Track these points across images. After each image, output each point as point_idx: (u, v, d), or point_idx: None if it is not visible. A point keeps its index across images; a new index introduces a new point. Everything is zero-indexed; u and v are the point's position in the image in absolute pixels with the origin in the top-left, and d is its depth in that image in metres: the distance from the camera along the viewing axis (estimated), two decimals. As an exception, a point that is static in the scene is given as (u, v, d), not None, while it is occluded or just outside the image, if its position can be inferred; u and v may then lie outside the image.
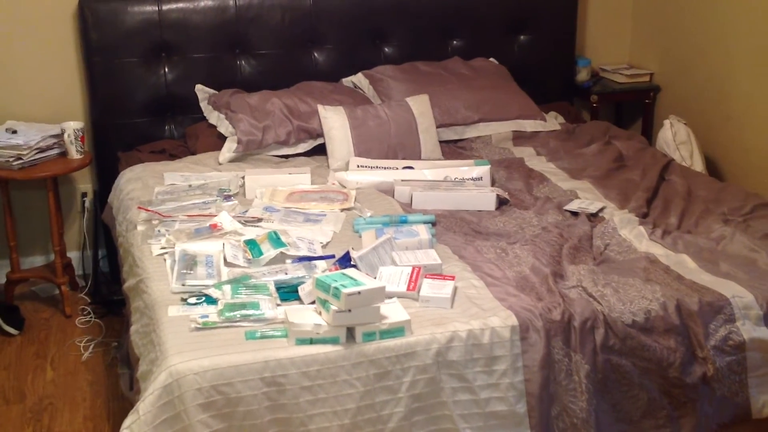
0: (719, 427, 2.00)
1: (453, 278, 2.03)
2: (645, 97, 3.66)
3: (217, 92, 3.15)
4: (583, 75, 3.65)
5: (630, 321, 1.94)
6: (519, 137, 3.17)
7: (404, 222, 2.36)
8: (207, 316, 1.85)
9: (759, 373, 2.00)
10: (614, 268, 2.15)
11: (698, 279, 2.10)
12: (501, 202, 2.57)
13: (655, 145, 3.28)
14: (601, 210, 2.52)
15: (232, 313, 1.85)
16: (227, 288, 1.96)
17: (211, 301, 1.93)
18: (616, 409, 1.93)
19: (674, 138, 3.23)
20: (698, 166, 3.17)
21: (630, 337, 1.92)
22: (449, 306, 1.94)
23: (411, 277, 2.01)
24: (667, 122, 3.31)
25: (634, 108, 3.76)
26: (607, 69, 3.71)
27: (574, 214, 2.49)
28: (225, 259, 2.11)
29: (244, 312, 1.85)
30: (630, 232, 2.37)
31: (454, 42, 3.49)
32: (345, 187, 2.66)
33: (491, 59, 3.47)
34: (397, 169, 2.77)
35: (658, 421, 1.95)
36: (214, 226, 2.27)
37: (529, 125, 3.23)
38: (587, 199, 2.61)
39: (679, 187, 2.70)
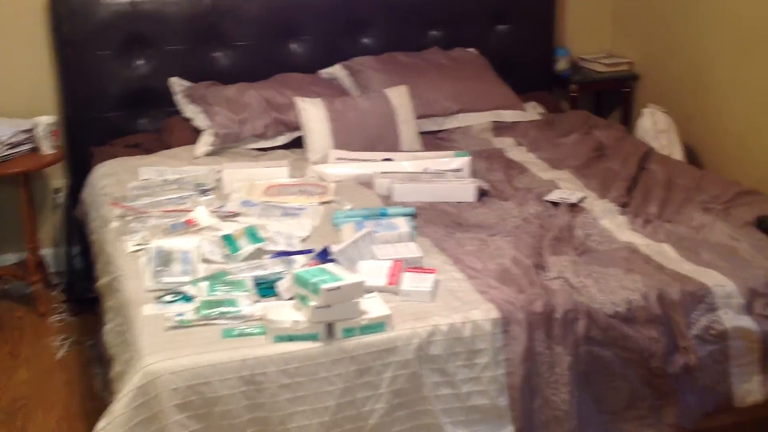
0: (702, 416, 2.00)
1: (434, 271, 2.01)
2: (624, 86, 3.65)
3: (192, 85, 3.10)
4: (562, 64, 3.63)
5: (612, 311, 1.93)
6: (499, 128, 3.15)
7: (384, 215, 2.33)
8: (183, 315, 1.81)
9: (741, 362, 2.00)
10: (595, 259, 2.13)
11: (679, 268, 2.09)
12: (482, 194, 2.55)
13: (634, 134, 3.27)
14: (582, 200, 2.50)
15: (208, 311, 1.81)
16: (204, 285, 1.92)
17: (187, 298, 1.89)
18: (599, 400, 1.92)
19: (654, 127, 3.22)
20: (678, 154, 3.17)
21: (612, 327, 1.91)
22: (430, 300, 1.92)
23: (391, 270, 1.98)
24: (646, 111, 3.30)
25: (613, 97, 3.75)
26: (587, 58, 3.69)
27: (555, 204, 2.47)
28: (202, 256, 2.08)
29: (221, 309, 1.82)
30: (611, 221, 2.36)
31: (434, 32, 3.46)
32: (324, 180, 2.63)
33: (471, 49, 3.45)
34: (376, 161, 2.74)
35: (641, 411, 1.94)
36: (190, 222, 2.23)
37: (508, 115, 3.21)
38: (567, 189, 2.60)
39: (659, 176, 2.70)
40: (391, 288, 1.94)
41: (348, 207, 2.42)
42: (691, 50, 3.34)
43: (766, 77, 3.01)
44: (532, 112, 3.27)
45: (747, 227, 2.32)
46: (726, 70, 3.18)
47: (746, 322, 2.00)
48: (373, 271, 1.98)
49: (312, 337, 1.76)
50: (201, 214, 2.27)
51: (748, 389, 2.01)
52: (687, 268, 2.10)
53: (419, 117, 3.06)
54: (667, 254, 2.17)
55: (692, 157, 3.29)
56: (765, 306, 2.02)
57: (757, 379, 2.01)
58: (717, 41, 3.21)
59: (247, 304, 1.85)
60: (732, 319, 1.99)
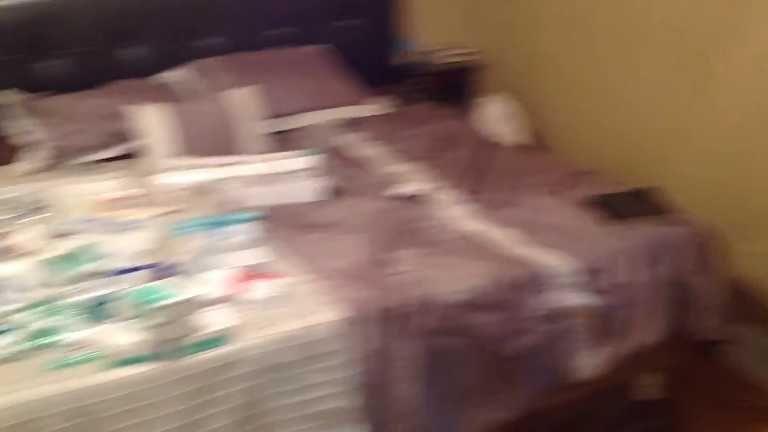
0: (547, 394, 2.05)
1: (283, 276, 1.96)
2: (473, 76, 3.71)
3: (20, 98, 2.90)
4: (410, 57, 3.66)
5: (458, 300, 1.94)
6: (348, 123, 3.13)
7: (230, 222, 2.25)
8: (4, 348, 1.67)
9: (582, 338, 2.07)
10: (442, 249, 2.15)
11: (523, 252, 2.13)
12: (331, 192, 2.51)
13: (482, 123, 3.34)
14: (430, 191, 2.52)
15: (34, 341, 1.68)
16: (31, 313, 1.78)
17: (10, 330, 1.74)
18: (449, 389, 1.93)
19: (501, 114, 3.30)
20: (524, 140, 3.26)
21: (459, 316, 1.93)
22: (279, 305, 1.87)
23: (238, 279, 1.92)
24: (494, 99, 3.37)
25: (462, 87, 3.81)
26: (435, 49, 3.73)
27: (404, 198, 2.47)
28: (28, 282, 1.92)
29: (48, 339, 1.69)
30: (457, 211, 2.39)
31: (283, 29, 3.40)
32: (165, 189, 2.51)
33: (320, 46, 3.41)
34: (222, 166, 2.64)
35: (489, 396, 1.97)
36: (14, 246, 2.07)
37: (358, 111, 3.20)
38: (416, 181, 2.61)
39: (505, 163, 2.75)
40: (238, 297, 1.87)
41: (191, 216, 2.32)
42: (535, 39, 3.45)
43: (600, 65, 3.15)
44: (381, 106, 3.27)
45: (587, 206, 2.40)
46: (566, 57, 3.30)
47: (586, 298, 2.07)
48: (217, 281, 1.91)
49: (151, 358, 1.66)
50: (29, 236, 2.11)
51: (590, 364, 2.08)
52: (530, 251, 2.14)
53: (269, 117, 2.99)
54: (511, 239, 2.22)
55: (538, 142, 3.40)
56: (603, 281, 2.10)
57: (597, 353, 2.08)
58: (557, 29, 3.32)
59: (78, 329, 1.73)
60: (572, 297, 2.05)
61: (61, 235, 2.17)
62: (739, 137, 2.65)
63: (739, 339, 2.67)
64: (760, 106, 2.55)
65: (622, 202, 2.40)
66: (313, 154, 2.68)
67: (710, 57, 2.69)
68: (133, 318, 1.70)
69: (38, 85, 2.95)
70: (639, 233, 2.24)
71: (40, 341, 1.68)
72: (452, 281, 1.98)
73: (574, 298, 2.05)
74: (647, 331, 2.17)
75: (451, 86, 3.83)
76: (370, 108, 3.22)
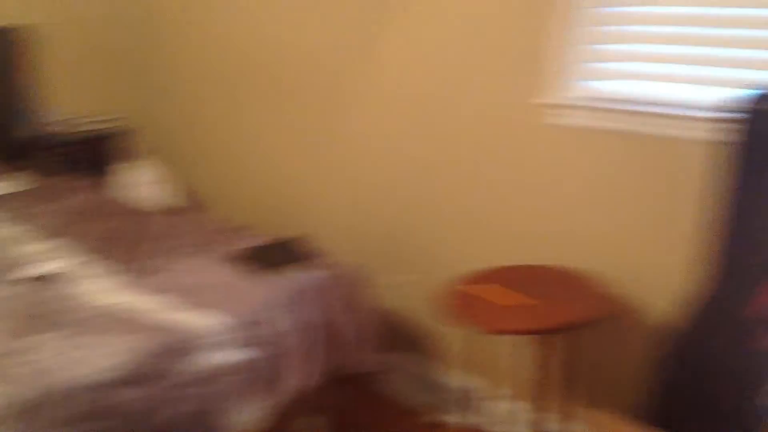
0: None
1: None
2: (117, 142, 3.61)
3: None
4: (47, 128, 3.45)
5: (103, 380, 1.83)
6: (-20, 204, 2.84)
7: None
8: None
9: (239, 394, 2.07)
10: (85, 328, 2.02)
11: (173, 317, 2.09)
12: (-44, 283, 2.25)
13: (130, 188, 3.25)
14: (72, 267, 2.37)
15: None
16: None
17: None
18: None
19: (150, 178, 3.24)
20: (177, 202, 3.23)
21: (106, 397, 1.82)
22: None
23: None
24: (142, 163, 3.30)
25: (105, 154, 3.68)
26: (75, 118, 3.57)
27: (38, 278, 2.29)
28: None
29: None
30: (103, 284, 2.28)
31: None
32: None
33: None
34: None
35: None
36: None
37: (-8, 189, 2.93)
38: (58, 258, 2.44)
39: (155, 228, 2.70)
40: None
41: None
42: (179, 100, 3.46)
43: (240, 121, 3.25)
44: (16, 182, 3.03)
45: (238, 261, 2.43)
46: (211, 117, 3.36)
47: (241, 353, 2.08)
48: None
49: None
50: None
51: (252, 418, 2.09)
52: (182, 315, 2.11)
53: None
54: (162, 306, 2.16)
55: (193, 203, 3.40)
56: (257, 333, 2.13)
57: (258, 406, 2.10)
58: (199, 90, 3.37)
59: None
60: (227, 354, 2.05)
61: None
62: (373, 181, 2.90)
63: (392, 367, 2.89)
64: (388, 150, 2.81)
65: (271, 253, 2.49)
66: (-71, 242, 2.39)
67: (336, 111, 2.92)
68: None
69: None
70: (288, 281, 2.32)
71: None
72: (96, 361, 1.87)
73: (228, 355, 2.05)
74: (306, 374, 2.24)
75: (95, 154, 3.69)
76: (9, 184, 2.96)
